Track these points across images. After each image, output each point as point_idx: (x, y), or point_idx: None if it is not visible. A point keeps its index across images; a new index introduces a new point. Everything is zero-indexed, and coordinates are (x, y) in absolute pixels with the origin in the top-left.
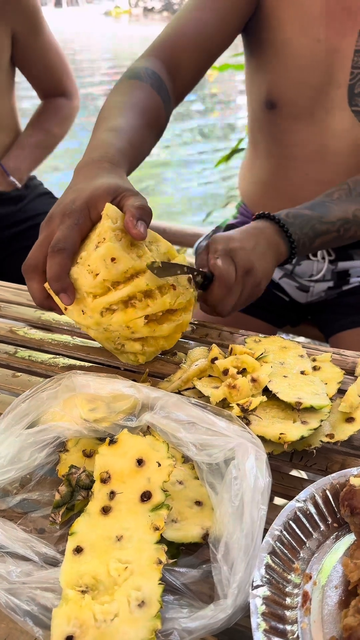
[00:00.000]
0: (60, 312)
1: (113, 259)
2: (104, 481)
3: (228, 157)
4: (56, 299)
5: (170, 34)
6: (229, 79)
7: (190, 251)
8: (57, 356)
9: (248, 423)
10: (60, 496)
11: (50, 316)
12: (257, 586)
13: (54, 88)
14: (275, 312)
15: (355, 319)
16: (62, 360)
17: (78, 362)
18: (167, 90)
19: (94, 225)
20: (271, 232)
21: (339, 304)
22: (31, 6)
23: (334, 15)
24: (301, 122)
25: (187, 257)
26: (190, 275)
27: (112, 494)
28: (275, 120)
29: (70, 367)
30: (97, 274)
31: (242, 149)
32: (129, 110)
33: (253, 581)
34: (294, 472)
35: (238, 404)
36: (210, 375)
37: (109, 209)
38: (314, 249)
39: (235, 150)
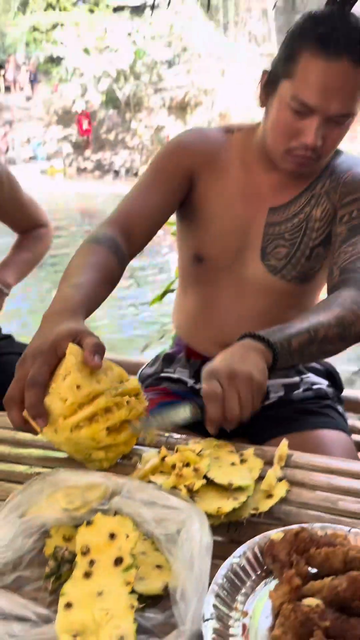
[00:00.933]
0: (36, 433)
1: (78, 386)
2: (84, 553)
3: (161, 297)
4: (33, 423)
5: (123, 208)
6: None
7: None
8: (33, 467)
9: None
10: (50, 569)
11: (23, 436)
12: (207, 619)
13: (32, 225)
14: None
15: (277, 429)
16: (38, 470)
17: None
18: (122, 250)
19: (60, 361)
20: (249, 341)
21: (264, 417)
22: (4, 172)
23: (249, 197)
24: (223, 272)
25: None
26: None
27: (92, 562)
28: (201, 271)
29: None
30: (66, 399)
31: (173, 290)
32: (88, 269)
33: (204, 615)
34: (230, 541)
35: (185, 486)
36: (161, 471)
37: (72, 348)
38: (293, 351)
39: (167, 291)
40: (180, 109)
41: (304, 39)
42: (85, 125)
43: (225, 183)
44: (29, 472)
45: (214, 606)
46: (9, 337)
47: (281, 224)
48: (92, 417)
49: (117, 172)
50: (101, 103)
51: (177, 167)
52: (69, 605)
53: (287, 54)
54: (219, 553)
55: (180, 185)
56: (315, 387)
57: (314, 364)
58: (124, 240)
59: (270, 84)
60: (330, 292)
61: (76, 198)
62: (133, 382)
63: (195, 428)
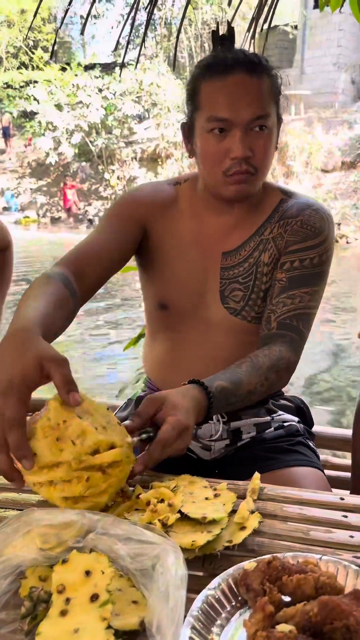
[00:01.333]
0: (20, 485)
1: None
2: (60, 592)
3: (135, 342)
4: (18, 465)
5: (78, 250)
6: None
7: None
8: (7, 510)
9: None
10: (26, 609)
11: None
12: None
13: None
14: (187, 470)
15: (250, 469)
16: (11, 513)
17: None
18: (74, 287)
19: (31, 392)
20: (202, 402)
21: (238, 457)
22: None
23: (202, 243)
24: (187, 317)
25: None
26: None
27: (68, 600)
28: (167, 317)
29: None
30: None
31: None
32: (42, 297)
33: None
34: (205, 574)
35: (159, 520)
36: (136, 509)
37: (51, 406)
38: (224, 409)
39: (141, 335)
40: (152, 160)
41: (199, 75)
42: (70, 196)
43: (178, 231)
44: (3, 515)
45: (190, 638)
46: None
47: (234, 268)
48: (51, 482)
49: (90, 221)
50: (74, 155)
51: (130, 215)
52: None
53: (190, 94)
54: (195, 587)
55: (133, 233)
56: (286, 424)
57: (284, 401)
58: (74, 279)
59: (189, 130)
60: (264, 339)
61: (50, 246)
62: (110, 454)
63: (170, 466)
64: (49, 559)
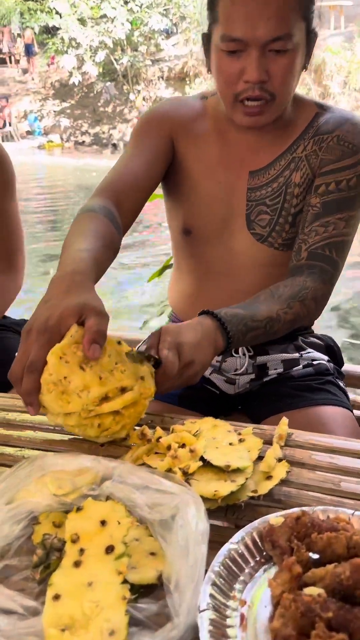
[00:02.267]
0: (34, 413)
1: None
2: (74, 541)
3: (160, 273)
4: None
5: (113, 178)
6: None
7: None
8: (23, 449)
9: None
10: (38, 557)
11: (13, 416)
12: (204, 610)
13: (2, 259)
14: (209, 405)
15: (276, 405)
16: (27, 452)
17: (41, 454)
18: (118, 221)
19: (63, 336)
20: (212, 328)
21: (263, 393)
22: (10, 172)
23: (228, 162)
24: (212, 244)
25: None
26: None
27: (82, 551)
28: (192, 244)
29: None
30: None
31: (171, 265)
32: (89, 235)
33: (200, 606)
34: (228, 525)
35: (180, 469)
36: (156, 452)
37: (72, 330)
38: (245, 342)
39: (166, 266)
40: (179, 79)
41: None
42: None
43: (203, 149)
44: (18, 455)
45: (211, 595)
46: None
47: (262, 188)
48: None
49: (115, 145)
50: (98, 75)
51: (158, 132)
52: (57, 597)
53: (209, 5)
54: (216, 538)
55: (163, 151)
56: (315, 362)
57: (313, 339)
58: (116, 211)
59: (206, 44)
60: (294, 270)
61: (75, 173)
62: (120, 402)
63: (192, 401)
64: (63, 505)
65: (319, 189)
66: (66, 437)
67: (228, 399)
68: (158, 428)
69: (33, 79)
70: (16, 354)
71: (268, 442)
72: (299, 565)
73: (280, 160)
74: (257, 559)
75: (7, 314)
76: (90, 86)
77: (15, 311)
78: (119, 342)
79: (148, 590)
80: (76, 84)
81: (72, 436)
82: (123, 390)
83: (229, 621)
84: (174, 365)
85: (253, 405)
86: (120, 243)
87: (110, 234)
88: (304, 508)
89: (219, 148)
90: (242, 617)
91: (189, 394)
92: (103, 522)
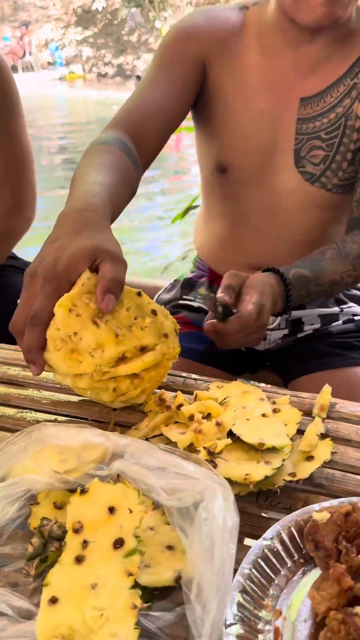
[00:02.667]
0: (37, 373)
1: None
2: (76, 531)
3: (183, 214)
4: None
5: (130, 108)
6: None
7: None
8: (24, 410)
9: (215, 466)
10: (33, 548)
11: (16, 371)
12: (230, 624)
13: (7, 190)
14: (234, 361)
15: (311, 364)
16: (30, 415)
17: (45, 416)
18: (134, 155)
19: (73, 284)
20: (277, 292)
21: (295, 350)
22: (10, 81)
23: (273, 86)
24: (251, 184)
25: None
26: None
27: (85, 543)
28: (226, 183)
29: (38, 422)
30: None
31: (197, 206)
32: (103, 168)
33: (226, 620)
34: (260, 512)
35: (205, 448)
36: (176, 422)
37: (84, 277)
38: (302, 302)
39: (190, 207)
40: (209, 5)
41: None
42: None
43: (241, 72)
44: (19, 417)
45: (239, 605)
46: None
47: (315, 119)
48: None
49: (139, 77)
50: (123, 0)
51: (185, 55)
52: (54, 601)
53: None
54: (245, 529)
55: (192, 77)
56: (357, 318)
57: (356, 291)
58: (133, 146)
59: None
60: (354, 222)
61: (97, 107)
62: (139, 364)
63: (217, 357)
64: (65, 484)
65: None
66: (74, 399)
67: (256, 355)
68: (179, 393)
69: (54, 5)
70: (18, 301)
71: (307, 414)
72: (349, 575)
73: (339, 86)
74: (295, 558)
75: (19, 254)
76: (114, 13)
77: (29, 252)
78: (139, 294)
79: (164, 593)
80: (99, 10)
81: (81, 397)
82: (143, 349)
83: (260, 638)
84: (250, 323)
85: (283, 362)
86: (138, 181)
87: (127, 169)
88: (354, 499)
89: (262, 69)
90: (277, 632)
91: (213, 350)
92: (111, 509)
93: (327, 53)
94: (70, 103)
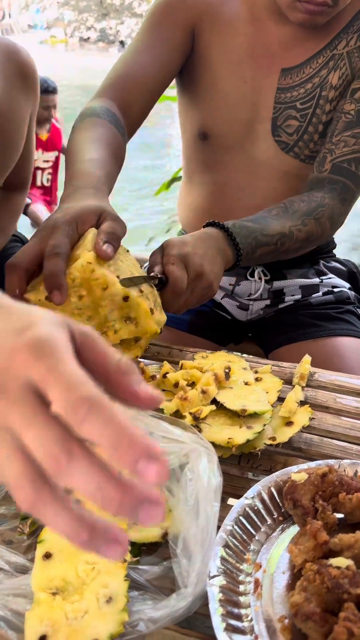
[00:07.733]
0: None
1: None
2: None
3: (167, 186)
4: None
5: (117, 76)
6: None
7: None
8: None
9: (200, 430)
10: None
11: None
12: (214, 576)
13: (16, 177)
14: (218, 331)
15: (291, 335)
16: None
17: None
18: (122, 125)
19: (80, 234)
20: (220, 238)
21: (277, 321)
22: (36, 81)
23: (257, 57)
24: (231, 152)
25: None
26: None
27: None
28: (207, 151)
29: None
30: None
31: (181, 177)
32: (95, 144)
33: (210, 572)
34: (242, 474)
35: (190, 413)
36: (163, 390)
37: (90, 235)
38: (255, 259)
39: (175, 179)
40: None
41: None
42: None
43: (230, 40)
44: None
45: (222, 559)
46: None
47: (293, 89)
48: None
49: (122, 43)
50: None
51: (175, 20)
52: (48, 556)
53: None
54: (228, 489)
55: (180, 43)
56: (336, 290)
57: (336, 264)
58: (120, 114)
59: None
60: (313, 183)
61: (81, 75)
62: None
63: (200, 327)
64: None
65: (355, 94)
66: None
67: (239, 326)
68: (165, 363)
69: None
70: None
71: (288, 383)
72: (324, 531)
73: (318, 57)
74: (275, 516)
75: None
76: None
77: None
78: (127, 251)
79: (151, 548)
80: None
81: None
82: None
83: (242, 588)
84: (182, 280)
85: (265, 333)
86: (125, 151)
87: (117, 142)
88: (330, 461)
89: (249, 39)
90: (257, 582)
91: (199, 320)
92: None
93: (310, 29)
94: (53, 70)
